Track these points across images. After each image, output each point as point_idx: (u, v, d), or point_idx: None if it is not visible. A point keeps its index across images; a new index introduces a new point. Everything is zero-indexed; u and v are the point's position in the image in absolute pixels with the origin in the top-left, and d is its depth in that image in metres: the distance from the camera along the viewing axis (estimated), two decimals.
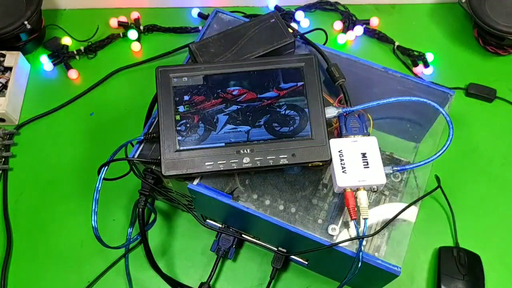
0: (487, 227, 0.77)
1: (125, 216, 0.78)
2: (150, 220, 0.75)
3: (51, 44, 0.94)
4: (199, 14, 0.97)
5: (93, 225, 0.63)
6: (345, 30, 0.96)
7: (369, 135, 0.62)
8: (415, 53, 0.92)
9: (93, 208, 0.62)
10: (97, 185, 0.62)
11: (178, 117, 0.62)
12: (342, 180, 0.58)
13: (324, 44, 0.73)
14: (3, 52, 0.88)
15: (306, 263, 0.72)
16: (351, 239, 0.58)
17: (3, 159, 0.82)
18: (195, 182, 0.62)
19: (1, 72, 0.86)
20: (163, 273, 0.69)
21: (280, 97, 0.63)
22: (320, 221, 0.60)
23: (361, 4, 0.98)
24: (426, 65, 0.91)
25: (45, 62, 0.91)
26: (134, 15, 0.97)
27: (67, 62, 0.92)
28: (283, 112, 0.62)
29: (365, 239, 0.58)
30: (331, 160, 0.60)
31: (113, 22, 0.96)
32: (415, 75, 0.91)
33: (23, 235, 0.77)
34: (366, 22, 0.96)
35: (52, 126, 0.87)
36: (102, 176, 0.63)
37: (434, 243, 0.76)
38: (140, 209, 0.67)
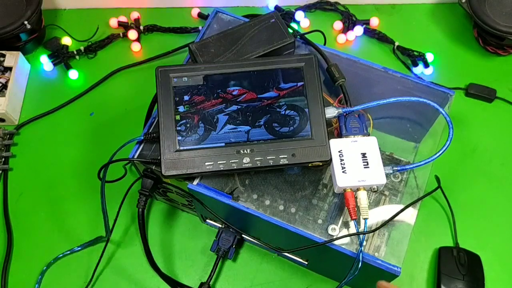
0: (487, 227, 0.77)
1: (125, 216, 0.78)
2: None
3: (51, 44, 0.94)
4: (199, 14, 0.97)
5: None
6: (345, 30, 0.96)
7: (369, 135, 0.62)
8: (415, 53, 0.92)
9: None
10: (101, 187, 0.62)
11: (178, 117, 0.62)
12: (342, 180, 0.58)
13: (323, 45, 0.73)
14: (3, 52, 0.88)
15: (306, 263, 0.72)
16: (349, 235, 0.58)
17: (3, 159, 0.82)
18: (195, 182, 0.62)
19: (1, 72, 0.86)
20: (162, 273, 0.69)
21: (280, 97, 0.63)
22: (320, 221, 0.60)
23: (361, 4, 0.98)
24: (426, 65, 0.91)
25: (45, 62, 0.91)
26: (134, 15, 0.96)
27: (67, 62, 0.92)
28: (283, 112, 0.62)
29: (365, 239, 0.58)
30: (331, 160, 0.60)
31: (113, 22, 0.96)
32: (415, 75, 0.91)
33: (23, 235, 0.77)
34: (366, 22, 0.96)
35: (52, 126, 0.87)
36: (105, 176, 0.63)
37: (434, 243, 0.76)
38: (140, 209, 0.67)
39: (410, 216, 0.61)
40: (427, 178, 0.63)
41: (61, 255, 0.75)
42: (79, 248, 0.75)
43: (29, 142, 0.85)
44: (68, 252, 0.75)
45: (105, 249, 0.73)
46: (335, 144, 0.60)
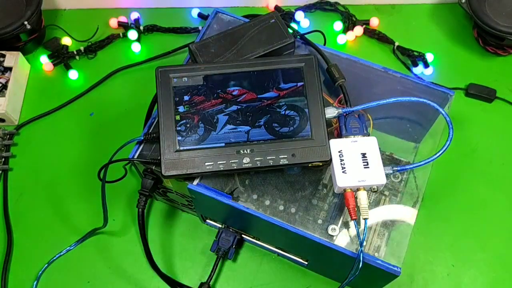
0: (487, 227, 0.77)
1: (125, 216, 0.78)
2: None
3: (51, 44, 0.94)
4: (199, 14, 0.97)
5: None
6: (345, 30, 0.96)
7: (369, 135, 0.62)
8: (415, 53, 0.92)
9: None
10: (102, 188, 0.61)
11: (178, 117, 0.62)
12: (342, 180, 0.58)
13: (323, 45, 0.73)
14: (3, 52, 0.88)
15: (306, 263, 0.72)
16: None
17: (3, 159, 0.82)
18: (195, 182, 0.62)
19: (1, 72, 0.86)
20: (162, 273, 0.69)
21: (280, 97, 0.63)
22: (320, 221, 0.60)
23: (361, 5, 0.98)
24: (426, 65, 0.91)
25: (45, 62, 0.91)
26: (134, 15, 0.96)
27: (67, 62, 0.92)
28: (283, 112, 0.62)
29: (365, 240, 0.58)
30: (331, 160, 0.60)
31: (113, 22, 0.96)
32: (415, 75, 0.91)
33: (23, 235, 0.77)
34: (366, 22, 0.96)
35: (52, 126, 0.87)
36: (105, 177, 0.63)
37: (434, 243, 0.76)
38: (140, 209, 0.67)
39: (410, 216, 0.61)
40: (427, 178, 0.63)
41: (56, 256, 0.75)
42: (73, 247, 0.75)
43: (29, 142, 0.85)
44: (64, 252, 0.75)
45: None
46: (335, 144, 0.60)
